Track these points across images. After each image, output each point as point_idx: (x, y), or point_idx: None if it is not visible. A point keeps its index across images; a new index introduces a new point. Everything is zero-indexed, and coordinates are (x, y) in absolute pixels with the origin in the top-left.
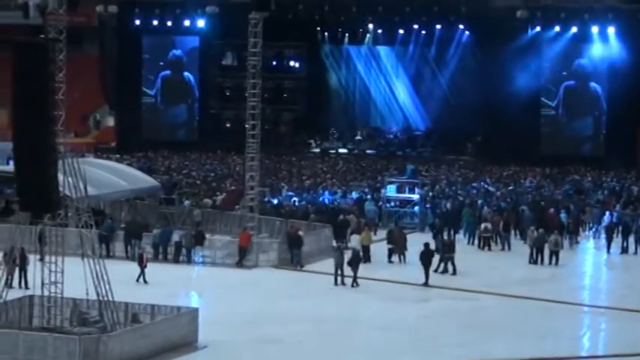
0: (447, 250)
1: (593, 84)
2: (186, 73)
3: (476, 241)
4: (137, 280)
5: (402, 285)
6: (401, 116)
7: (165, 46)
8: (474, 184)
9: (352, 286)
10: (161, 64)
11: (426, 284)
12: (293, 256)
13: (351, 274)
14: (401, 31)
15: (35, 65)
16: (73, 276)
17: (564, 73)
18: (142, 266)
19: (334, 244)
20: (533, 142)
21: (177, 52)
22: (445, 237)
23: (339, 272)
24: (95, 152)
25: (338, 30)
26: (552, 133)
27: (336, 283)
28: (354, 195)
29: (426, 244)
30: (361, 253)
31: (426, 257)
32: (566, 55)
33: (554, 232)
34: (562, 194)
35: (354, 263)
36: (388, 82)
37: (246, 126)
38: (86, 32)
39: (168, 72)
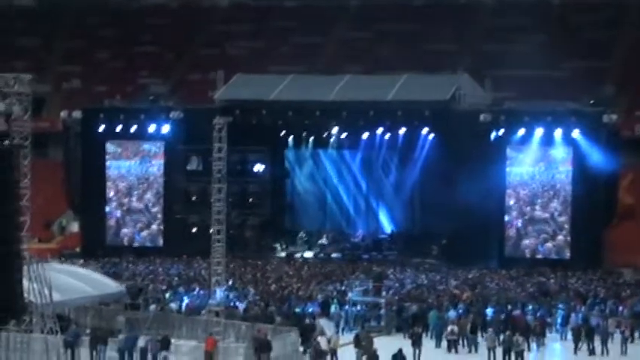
0: None
1: (557, 185)
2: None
3: (444, 344)
4: None
5: None
6: (366, 219)
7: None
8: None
9: None
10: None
11: None
12: None
13: None
14: (365, 135)
15: (0, 172)
16: None
17: (527, 175)
18: None
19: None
20: (497, 245)
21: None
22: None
23: None
24: (60, 258)
25: (302, 133)
26: (517, 235)
27: None
28: (320, 299)
29: (400, 350)
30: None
31: None
32: (529, 157)
33: (523, 334)
34: (527, 296)
35: None
36: (353, 185)
37: (212, 230)
38: (51, 138)
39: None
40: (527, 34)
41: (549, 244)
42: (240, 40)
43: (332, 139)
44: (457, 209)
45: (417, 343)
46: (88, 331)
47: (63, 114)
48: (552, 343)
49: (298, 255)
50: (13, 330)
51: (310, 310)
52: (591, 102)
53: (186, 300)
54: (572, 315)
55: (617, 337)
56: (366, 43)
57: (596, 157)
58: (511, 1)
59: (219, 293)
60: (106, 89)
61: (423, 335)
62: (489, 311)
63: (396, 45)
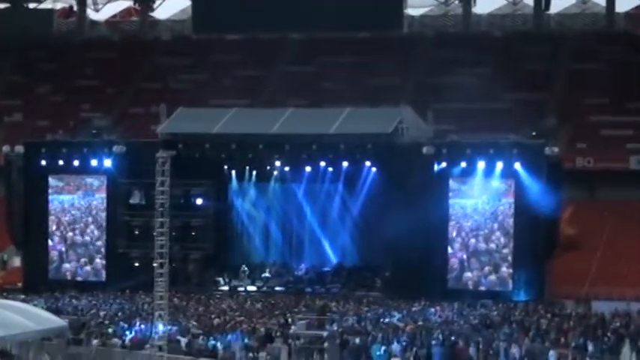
0: None
1: (499, 217)
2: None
3: None
4: None
5: None
6: (309, 253)
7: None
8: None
9: None
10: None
11: None
12: None
13: None
14: (308, 169)
15: None
16: None
17: (470, 207)
18: None
19: None
20: (440, 277)
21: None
22: None
23: None
24: (1, 293)
25: (245, 167)
26: (460, 267)
27: None
28: (263, 332)
29: None
30: None
31: None
32: (472, 189)
33: None
34: (471, 328)
35: None
36: (296, 219)
37: (154, 264)
38: None
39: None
40: (468, 66)
41: (492, 277)
42: (183, 74)
43: (275, 173)
44: (400, 242)
45: None
46: None
47: (5, 148)
48: None
49: (241, 289)
50: None
51: (253, 344)
52: (533, 134)
53: (128, 334)
54: (516, 347)
55: None
56: (308, 77)
57: (537, 189)
58: (453, 34)
59: (162, 327)
60: (48, 123)
61: None
62: (433, 344)
63: (338, 78)
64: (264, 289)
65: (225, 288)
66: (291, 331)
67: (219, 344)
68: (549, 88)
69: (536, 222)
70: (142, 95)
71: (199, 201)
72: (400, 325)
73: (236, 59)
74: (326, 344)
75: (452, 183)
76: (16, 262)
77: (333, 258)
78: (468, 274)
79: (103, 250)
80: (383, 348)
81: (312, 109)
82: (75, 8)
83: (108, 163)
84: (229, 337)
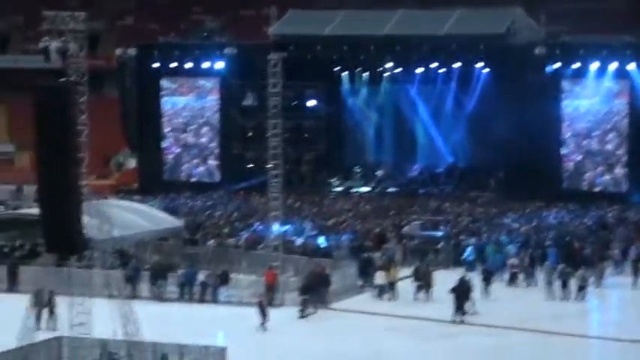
0: None
1: (613, 118)
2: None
3: (505, 276)
4: (262, 325)
5: (429, 321)
6: (422, 154)
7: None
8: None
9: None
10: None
11: (460, 320)
12: (319, 295)
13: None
14: (420, 70)
15: (58, 108)
16: (99, 317)
17: (583, 108)
18: (264, 313)
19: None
20: (555, 178)
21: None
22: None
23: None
24: (117, 194)
25: (357, 68)
26: (574, 168)
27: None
28: (377, 233)
29: (463, 279)
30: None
31: (462, 292)
32: (585, 90)
33: (581, 267)
34: (586, 229)
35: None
36: (408, 119)
37: (268, 166)
38: (106, 75)
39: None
40: None
41: (607, 177)
42: None
43: (386, 74)
44: (513, 142)
45: (487, 279)
46: (147, 266)
47: (118, 51)
48: (611, 277)
49: (355, 190)
50: (74, 266)
51: (367, 244)
52: None
53: (244, 234)
54: (632, 248)
55: None
56: None
57: None
58: None
59: (277, 228)
60: (160, 26)
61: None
62: (548, 245)
63: None
64: (377, 190)
65: (339, 189)
66: (405, 231)
67: (333, 244)
68: None
69: None
70: None
71: (311, 102)
72: (515, 226)
73: None
74: (440, 244)
75: (565, 84)
76: (132, 163)
77: (445, 159)
78: (583, 175)
79: (216, 151)
80: (497, 249)
81: (423, 11)
82: None
83: (220, 65)
84: (343, 237)
